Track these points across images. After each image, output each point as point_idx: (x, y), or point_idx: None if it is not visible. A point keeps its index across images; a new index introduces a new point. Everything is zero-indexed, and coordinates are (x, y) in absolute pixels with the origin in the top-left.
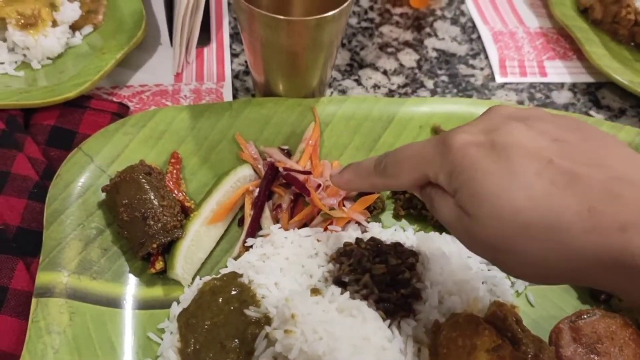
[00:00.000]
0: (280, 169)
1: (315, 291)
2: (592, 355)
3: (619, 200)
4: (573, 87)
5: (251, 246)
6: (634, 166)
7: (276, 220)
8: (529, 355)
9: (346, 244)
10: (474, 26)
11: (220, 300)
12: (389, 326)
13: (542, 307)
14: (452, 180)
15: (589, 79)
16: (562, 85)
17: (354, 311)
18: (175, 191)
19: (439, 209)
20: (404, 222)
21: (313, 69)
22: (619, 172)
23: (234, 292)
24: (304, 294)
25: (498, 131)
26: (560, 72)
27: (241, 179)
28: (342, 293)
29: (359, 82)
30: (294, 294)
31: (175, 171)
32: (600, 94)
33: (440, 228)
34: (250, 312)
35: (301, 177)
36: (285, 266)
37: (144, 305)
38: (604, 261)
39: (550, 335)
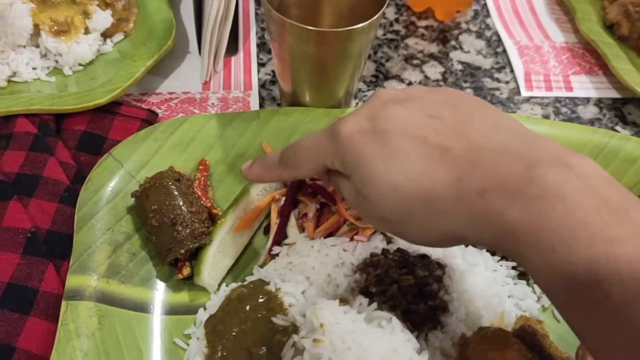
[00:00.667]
0: (307, 179)
1: (343, 301)
2: None
3: (478, 167)
4: (599, 102)
5: (277, 254)
6: (494, 133)
7: (302, 229)
8: None
9: (373, 255)
10: (499, 40)
11: (247, 307)
12: (417, 338)
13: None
14: (345, 166)
15: (615, 94)
16: (587, 100)
17: (382, 322)
18: (203, 198)
19: (342, 191)
20: None
21: (341, 80)
22: (480, 140)
23: (261, 300)
24: (333, 303)
25: (378, 116)
26: (586, 87)
27: (267, 188)
28: (369, 304)
29: None
30: (323, 302)
31: (203, 178)
32: (626, 109)
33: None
34: (278, 320)
35: (327, 186)
36: (311, 275)
37: (170, 310)
38: (474, 226)
39: (577, 352)
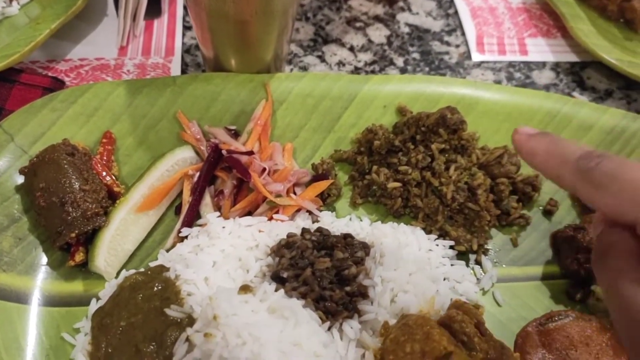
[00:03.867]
0: (224, 151)
1: (245, 288)
2: None
3: None
4: (556, 66)
5: (186, 237)
6: None
7: (218, 208)
8: None
9: (289, 235)
10: (451, 0)
11: (139, 297)
12: (329, 329)
13: (511, 307)
14: None
15: (573, 58)
16: (544, 64)
17: (286, 312)
18: (104, 174)
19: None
20: (361, 211)
21: (265, 42)
22: None
23: (156, 289)
24: (231, 292)
25: None
26: (542, 50)
27: (180, 162)
28: (277, 290)
29: (322, 58)
30: (220, 291)
31: (106, 152)
32: (585, 74)
33: (399, 217)
34: (172, 311)
35: (244, 159)
36: (219, 259)
37: (60, 302)
38: None
39: (516, 340)
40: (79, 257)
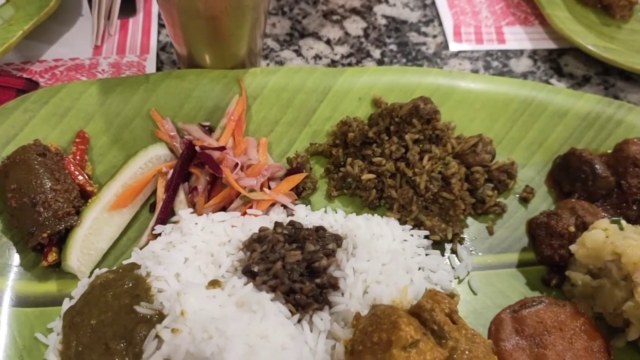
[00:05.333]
0: (197, 148)
1: (214, 283)
2: (536, 349)
3: None
4: (533, 54)
5: (160, 234)
6: None
7: (192, 205)
8: (457, 352)
9: (261, 229)
10: None
11: (110, 295)
12: (299, 321)
13: (487, 294)
14: None
15: (551, 45)
16: (521, 52)
17: (254, 305)
18: (77, 174)
19: None
20: (337, 203)
21: (237, 36)
22: None
23: (126, 286)
24: (199, 287)
25: None
26: (520, 38)
27: (154, 159)
28: (245, 284)
29: (298, 52)
30: (188, 287)
31: (79, 152)
32: (563, 60)
33: (374, 208)
34: (141, 308)
35: (216, 154)
36: (191, 256)
37: (33, 302)
38: None
39: (490, 327)
40: (52, 257)
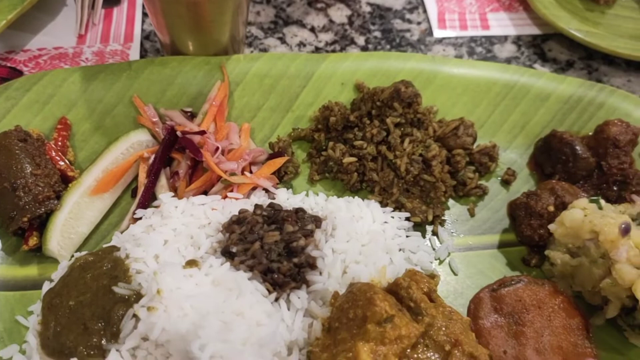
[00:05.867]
0: (179, 133)
1: (191, 263)
2: (514, 327)
3: None
4: (517, 39)
5: (140, 218)
6: None
7: (174, 189)
8: (434, 328)
9: (241, 211)
10: None
11: (89, 277)
12: (277, 300)
13: (467, 275)
14: None
15: (535, 30)
16: (505, 38)
17: (230, 284)
18: (58, 159)
19: None
20: (319, 187)
21: (219, 23)
22: None
23: (105, 268)
24: (176, 267)
25: None
26: (504, 24)
27: (136, 145)
28: (222, 264)
29: (283, 40)
30: (165, 266)
31: (61, 138)
32: (546, 46)
33: (356, 192)
34: (120, 289)
35: (197, 139)
36: (170, 238)
37: (14, 286)
38: None
39: (469, 306)
40: (33, 241)
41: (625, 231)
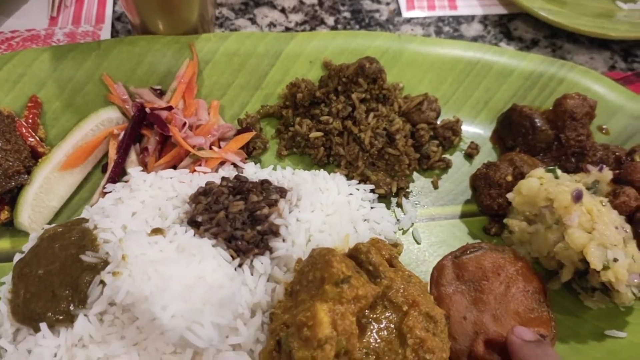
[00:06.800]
0: (147, 109)
1: (156, 231)
2: (474, 294)
3: None
4: (484, 19)
5: (110, 192)
6: None
7: (144, 165)
8: (392, 290)
9: (207, 183)
10: None
11: (57, 246)
12: (240, 265)
13: (429, 244)
14: None
15: (501, 10)
16: (472, 17)
17: (193, 249)
18: (28, 135)
19: None
20: (287, 162)
21: (187, 3)
22: None
23: (74, 238)
24: (140, 234)
25: None
26: (471, 4)
27: (106, 122)
28: (186, 232)
29: (253, 20)
30: (130, 234)
31: (31, 115)
32: (512, 25)
33: (324, 166)
34: (86, 257)
35: (164, 114)
36: (139, 209)
37: None
38: None
39: (432, 273)
40: (4, 215)
41: (577, 198)
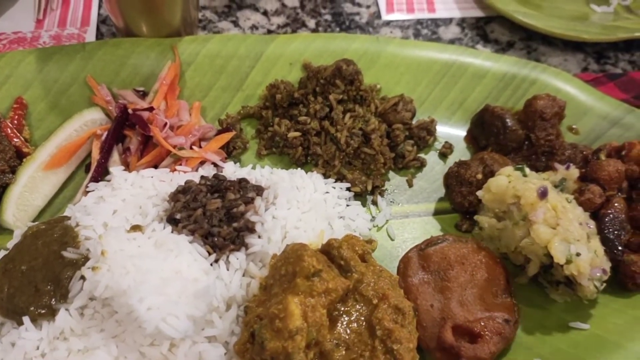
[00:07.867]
0: (130, 110)
1: (135, 227)
2: (440, 282)
3: None
4: (462, 22)
5: (92, 191)
6: None
7: (126, 165)
8: (363, 284)
9: (187, 182)
10: None
11: (40, 243)
12: (217, 261)
13: (403, 240)
14: None
15: (478, 13)
16: (450, 20)
17: (170, 245)
18: (13, 136)
19: None
20: (266, 161)
21: (170, 5)
22: None
23: (56, 235)
24: (119, 230)
25: None
26: (449, 7)
27: (89, 123)
28: (165, 229)
29: (236, 23)
30: (110, 230)
31: (17, 117)
32: (489, 28)
33: (302, 165)
34: (68, 253)
35: (146, 115)
36: (120, 207)
37: None
38: None
39: (399, 265)
40: None
41: (543, 195)
